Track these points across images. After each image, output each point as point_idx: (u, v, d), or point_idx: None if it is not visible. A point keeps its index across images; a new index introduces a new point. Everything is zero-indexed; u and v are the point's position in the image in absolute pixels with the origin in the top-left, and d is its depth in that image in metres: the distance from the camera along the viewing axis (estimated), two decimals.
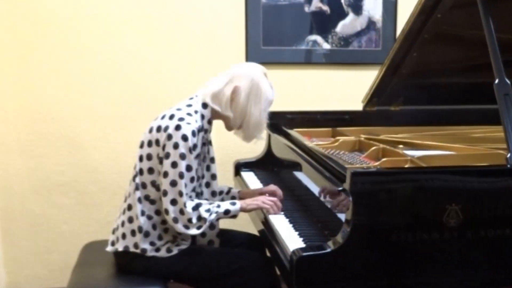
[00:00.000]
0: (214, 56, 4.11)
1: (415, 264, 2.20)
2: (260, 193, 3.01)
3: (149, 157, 2.68)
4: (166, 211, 2.62)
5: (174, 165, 2.58)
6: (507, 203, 2.24)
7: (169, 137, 2.58)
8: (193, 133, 2.60)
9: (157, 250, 2.73)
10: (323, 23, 4.24)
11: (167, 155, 2.59)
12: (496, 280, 2.30)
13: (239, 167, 3.72)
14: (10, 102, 3.94)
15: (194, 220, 2.61)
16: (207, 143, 2.86)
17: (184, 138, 2.57)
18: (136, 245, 2.71)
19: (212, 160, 2.93)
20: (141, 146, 2.72)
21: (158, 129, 2.65)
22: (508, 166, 2.33)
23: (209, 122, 2.79)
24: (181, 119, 2.61)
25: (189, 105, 2.74)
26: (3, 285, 4.09)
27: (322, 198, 2.66)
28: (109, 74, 4.03)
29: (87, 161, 4.08)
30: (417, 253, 2.18)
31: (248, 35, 4.15)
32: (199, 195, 2.84)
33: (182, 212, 2.59)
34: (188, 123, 2.60)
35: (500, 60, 2.53)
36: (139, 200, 2.71)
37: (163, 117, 2.68)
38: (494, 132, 3.30)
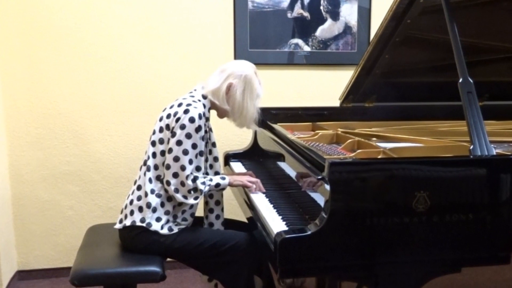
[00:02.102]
0: (206, 58, 4.10)
1: (387, 246, 2.19)
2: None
3: (161, 141, 2.75)
4: (168, 183, 2.69)
5: (179, 143, 2.65)
6: (469, 190, 2.23)
7: (178, 120, 2.67)
8: (200, 116, 2.67)
9: (161, 227, 2.74)
10: (304, 28, 4.23)
11: (174, 135, 2.68)
12: (459, 260, 2.30)
13: (228, 158, 3.70)
14: (21, 99, 3.92)
15: (192, 192, 2.69)
16: (208, 130, 2.88)
17: (191, 120, 2.65)
18: (142, 220, 2.73)
19: (214, 144, 2.95)
20: (154, 133, 2.80)
21: (168, 116, 2.74)
22: (471, 157, 2.33)
23: (209, 111, 2.85)
24: (188, 105, 2.71)
25: (192, 96, 2.83)
26: (15, 265, 4.08)
27: (299, 183, 2.67)
28: (110, 74, 4.01)
29: (90, 152, 4.07)
30: (389, 235, 2.17)
31: (236, 38, 4.14)
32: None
33: (182, 184, 2.68)
34: (195, 107, 2.69)
35: (463, 61, 2.53)
36: (150, 180, 2.76)
37: (171, 107, 2.78)
38: (458, 126, 3.31)
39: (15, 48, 3.86)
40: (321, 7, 4.22)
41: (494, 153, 2.37)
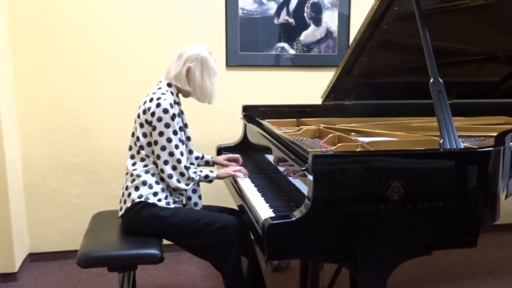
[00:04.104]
0: None
1: (365, 231, 2.17)
2: (227, 159, 3.24)
3: (144, 135, 2.79)
4: (162, 170, 2.76)
5: (161, 134, 2.72)
6: (439, 180, 2.21)
7: (153, 114, 2.72)
8: (171, 105, 2.73)
9: (159, 200, 2.76)
10: (289, 33, 4.21)
11: (154, 128, 2.73)
12: (430, 244, 2.30)
13: (220, 151, 3.68)
14: (33, 98, 3.89)
15: (185, 176, 2.77)
16: (180, 113, 2.93)
17: (165, 111, 2.70)
18: (140, 196, 2.75)
19: (186, 125, 2.99)
20: (136, 129, 2.83)
21: (144, 112, 2.78)
22: (441, 150, 2.33)
23: (177, 96, 2.91)
24: (158, 98, 2.75)
25: (160, 88, 2.87)
26: (27, 248, 4.05)
27: (278, 167, 2.69)
28: (113, 75, 3.99)
29: (96, 146, 4.04)
30: (366, 221, 2.15)
31: (227, 42, 4.11)
32: None
33: (174, 167, 2.75)
34: (165, 99, 2.74)
35: (434, 63, 2.51)
36: (145, 166, 2.79)
37: (144, 103, 2.82)
38: (429, 122, 3.30)
39: (27, 52, 3.83)
40: (305, 14, 4.21)
41: (462, 147, 2.36)
